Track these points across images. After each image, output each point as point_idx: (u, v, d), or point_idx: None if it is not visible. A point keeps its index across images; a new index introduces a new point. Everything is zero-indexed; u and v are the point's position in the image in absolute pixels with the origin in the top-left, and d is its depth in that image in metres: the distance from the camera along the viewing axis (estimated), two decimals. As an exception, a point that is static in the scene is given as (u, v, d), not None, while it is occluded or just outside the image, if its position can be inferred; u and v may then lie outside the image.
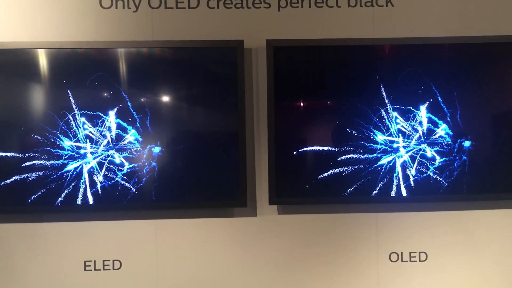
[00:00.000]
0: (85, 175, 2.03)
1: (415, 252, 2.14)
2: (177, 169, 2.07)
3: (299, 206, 2.13)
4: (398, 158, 2.08)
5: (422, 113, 2.08)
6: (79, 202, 2.03)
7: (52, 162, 2.02)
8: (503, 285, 2.15)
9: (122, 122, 2.04)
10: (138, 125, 2.04)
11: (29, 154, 2.02)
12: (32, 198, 2.02)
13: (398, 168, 2.08)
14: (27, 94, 2.03)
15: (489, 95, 2.10)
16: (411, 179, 2.08)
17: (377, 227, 2.14)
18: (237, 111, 2.04)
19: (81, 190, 2.03)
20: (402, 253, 2.14)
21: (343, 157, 2.08)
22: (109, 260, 2.10)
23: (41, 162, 2.02)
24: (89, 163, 2.04)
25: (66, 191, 2.03)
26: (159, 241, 2.11)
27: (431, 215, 2.14)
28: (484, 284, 2.14)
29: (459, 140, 2.08)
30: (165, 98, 2.06)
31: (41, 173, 2.02)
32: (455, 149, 2.08)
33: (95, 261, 2.09)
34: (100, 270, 2.09)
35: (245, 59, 2.07)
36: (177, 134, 2.06)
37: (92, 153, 2.04)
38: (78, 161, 2.03)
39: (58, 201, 2.02)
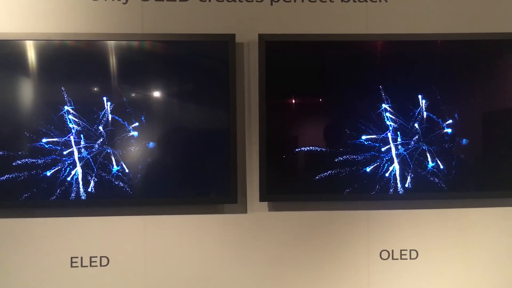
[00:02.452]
0: (79, 170, 1.99)
1: (406, 250, 2.13)
2: (167, 165, 2.05)
3: (290, 203, 2.11)
4: (395, 156, 2.06)
5: (418, 110, 2.06)
6: (69, 198, 1.99)
7: (43, 158, 1.98)
8: (494, 283, 2.15)
9: (116, 118, 2.01)
10: (126, 119, 2.01)
11: (20, 150, 1.98)
12: (22, 194, 1.98)
13: (396, 166, 2.06)
14: (17, 88, 1.98)
15: (484, 93, 2.09)
16: (406, 177, 2.07)
17: (368, 224, 2.13)
18: (228, 106, 2.02)
19: (73, 186, 1.99)
20: (393, 250, 2.13)
21: (335, 155, 2.06)
22: (96, 257, 2.06)
23: (32, 158, 1.98)
24: (81, 158, 2.00)
25: (57, 188, 1.99)
26: (148, 238, 2.08)
27: (422, 213, 2.13)
28: (475, 282, 2.15)
29: (456, 138, 2.07)
30: (156, 93, 2.03)
31: (31, 169, 1.98)
32: (452, 148, 2.07)
33: (82, 258, 2.06)
34: (87, 266, 2.06)
35: (237, 53, 2.04)
36: (168, 130, 2.03)
37: (84, 148, 2.00)
38: (72, 158, 1.99)
39: (49, 197, 1.98)
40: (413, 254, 2.14)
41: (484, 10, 2.14)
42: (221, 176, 2.03)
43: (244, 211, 2.11)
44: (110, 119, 2.01)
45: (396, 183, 2.07)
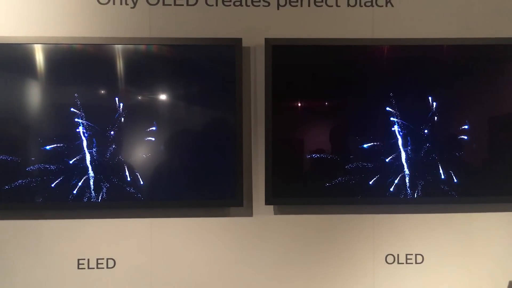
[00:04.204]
0: (90, 174, 2.01)
1: (412, 254, 2.13)
2: (173, 168, 2.06)
3: (295, 207, 2.11)
4: (404, 162, 2.06)
5: (425, 116, 2.06)
6: (77, 201, 2.01)
7: (53, 162, 2.00)
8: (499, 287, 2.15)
9: (125, 122, 2.02)
10: (134, 123, 2.03)
11: (31, 154, 2.00)
12: (34, 198, 2.00)
13: (403, 172, 2.06)
14: (27, 92, 2.00)
15: (492, 98, 2.08)
16: (413, 183, 2.06)
17: (374, 228, 2.13)
18: (234, 110, 2.03)
19: (82, 190, 2.01)
20: (398, 255, 2.13)
21: (341, 159, 2.07)
22: (103, 259, 2.08)
23: (43, 163, 2.00)
24: (91, 162, 2.01)
25: (66, 191, 2.01)
26: (154, 240, 2.09)
27: (428, 217, 2.13)
28: (480, 287, 2.13)
29: (464, 143, 2.07)
30: (162, 97, 2.04)
31: (43, 174, 2.00)
32: (460, 153, 2.07)
33: (88, 259, 2.07)
34: (93, 268, 2.07)
35: (243, 57, 2.05)
36: (174, 132, 2.05)
37: (94, 153, 2.02)
38: (83, 163, 2.01)
39: (58, 200, 2.00)
40: (419, 259, 2.13)
41: (490, 15, 2.13)
42: (227, 179, 2.04)
43: (250, 214, 2.11)
44: (119, 123, 2.02)
45: (402, 188, 2.07)
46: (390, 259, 2.13)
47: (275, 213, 2.12)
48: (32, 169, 2.00)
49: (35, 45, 2.00)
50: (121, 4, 2.08)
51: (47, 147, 2.00)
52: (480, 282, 2.14)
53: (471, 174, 2.08)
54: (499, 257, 2.14)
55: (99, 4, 2.07)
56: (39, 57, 2.00)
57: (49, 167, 2.01)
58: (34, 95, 2.01)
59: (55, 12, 2.06)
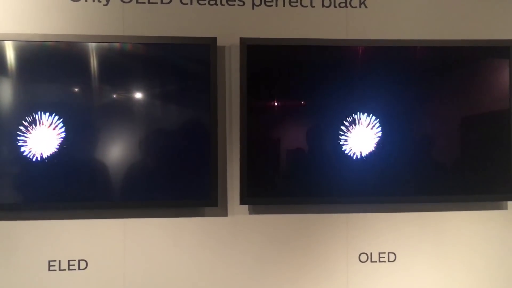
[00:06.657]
0: (58, 172, 1.97)
1: (384, 253, 2.16)
2: (147, 167, 2.04)
3: (270, 206, 2.12)
4: (375, 160, 2.08)
5: (397, 114, 2.09)
6: (47, 201, 1.97)
7: (21, 160, 1.96)
8: (470, 286, 2.18)
9: (97, 119, 2.00)
10: (107, 122, 2.00)
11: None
12: (3, 197, 1.95)
13: (375, 170, 2.08)
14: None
15: (462, 98, 2.12)
16: (386, 181, 2.09)
17: (348, 227, 2.15)
18: (209, 109, 2.02)
19: (53, 188, 1.97)
20: (371, 253, 2.15)
21: (315, 158, 2.08)
22: (74, 260, 2.04)
23: (10, 160, 1.96)
24: (59, 160, 1.97)
25: (35, 190, 1.97)
26: (128, 241, 2.07)
27: (401, 216, 2.16)
28: (452, 285, 2.18)
29: (435, 143, 2.11)
30: (137, 95, 2.02)
31: (8, 172, 1.96)
32: (431, 152, 2.10)
33: (60, 261, 2.03)
34: (65, 270, 2.03)
35: (218, 56, 2.05)
36: (148, 131, 2.03)
37: (63, 150, 1.98)
38: (51, 160, 1.97)
39: (27, 199, 1.97)
40: (391, 257, 2.16)
41: (463, 17, 2.18)
42: (201, 179, 2.03)
43: (225, 214, 2.11)
44: (90, 121, 1.99)
45: (375, 187, 2.09)
46: (363, 257, 2.15)
47: (250, 213, 2.12)
48: (2, 169, 1.96)
49: (6, 42, 1.95)
50: (93, 1, 2.05)
51: (18, 146, 1.96)
52: (452, 280, 2.18)
53: (443, 173, 2.12)
54: (470, 255, 2.19)
55: (71, 1, 2.04)
56: (10, 54, 1.96)
57: (18, 166, 1.96)
58: (3, 92, 1.96)
59: (26, 8, 2.02)
